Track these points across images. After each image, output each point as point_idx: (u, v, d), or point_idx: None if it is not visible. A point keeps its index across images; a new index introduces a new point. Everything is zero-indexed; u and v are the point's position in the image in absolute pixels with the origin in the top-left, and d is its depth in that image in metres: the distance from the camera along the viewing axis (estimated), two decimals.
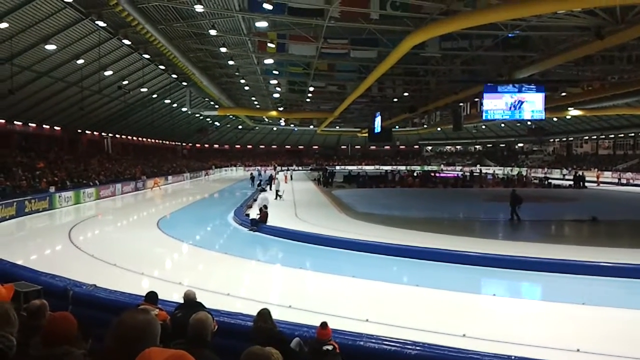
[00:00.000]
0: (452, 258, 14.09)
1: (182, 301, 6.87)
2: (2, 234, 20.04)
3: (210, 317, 3.99)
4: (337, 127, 67.78)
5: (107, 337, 2.15)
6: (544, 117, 28.03)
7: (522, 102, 24.79)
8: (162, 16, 24.72)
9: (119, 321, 2.14)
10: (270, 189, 37.83)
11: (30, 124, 38.08)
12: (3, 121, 34.83)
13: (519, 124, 69.06)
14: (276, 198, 31.05)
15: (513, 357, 6.29)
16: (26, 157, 33.85)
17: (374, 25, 21.69)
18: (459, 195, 39.37)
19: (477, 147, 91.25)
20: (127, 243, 18.22)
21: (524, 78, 26.14)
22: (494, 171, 67.91)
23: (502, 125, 71.66)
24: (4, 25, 21.98)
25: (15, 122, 36.18)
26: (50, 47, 26.10)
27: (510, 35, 21.93)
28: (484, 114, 25.59)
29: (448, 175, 60.42)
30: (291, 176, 56.44)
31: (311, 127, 68.59)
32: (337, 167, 79.49)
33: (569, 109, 42.04)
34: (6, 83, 26.37)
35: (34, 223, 23.74)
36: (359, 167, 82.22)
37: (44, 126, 40.05)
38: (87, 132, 47.95)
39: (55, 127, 41.90)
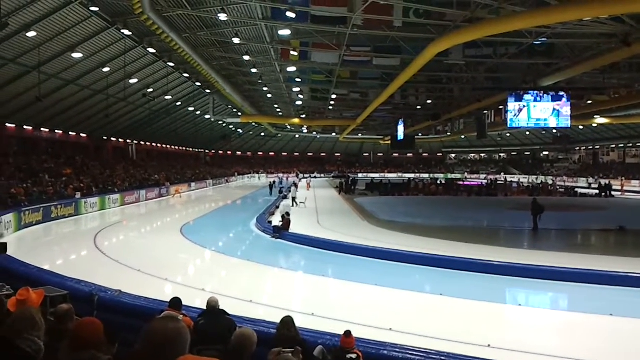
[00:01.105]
0: (477, 267, 13.91)
1: (205, 308, 6.88)
2: (29, 239, 20.39)
3: (255, 336, 3.81)
4: (360, 135, 67.61)
5: (138, 344, 2.16)
6: (569, 125, 27.55)
7: (548, 110, 24.45)
8: (186, 25, 25.03)
9: (149, 328, 2.15)
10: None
11: (57, 131, 38.78)
12: (30, 128, 35.50)
13: (544, 132, 68.24)
14: (293, 205, 30.86)
15: None
16: (53, 164, 34.40)
17: (397, 33, 21.65)
18: (483, 203, 38.91)
19: (502, 155, 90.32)
20: (151, 249, 18.41)
21: (549, 86, 25.82)
22: (519, 179, 67.10)
23: (527, 133, 70.83)
24: (32, 34, 22.44)
25: (42, 129, 36.86)
26: (77, 55, 26.57)
27: (535, 42, 21.71)
28: (508, 122, 25.27)
29: (472, 183, 59.86)
30: (307, 184, 56.12)
31: (333, 134, 68.61)
32: (360, 175, 79.29)
33: (595, 116, 41.36)
34: (34, 90, 26.86)
35: (60, 228, 24.09)
36: (382, 174, 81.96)
37: (71, 133, 40.76)
38: (112, 139, 48.65)
39: (82, 134, 42.62)
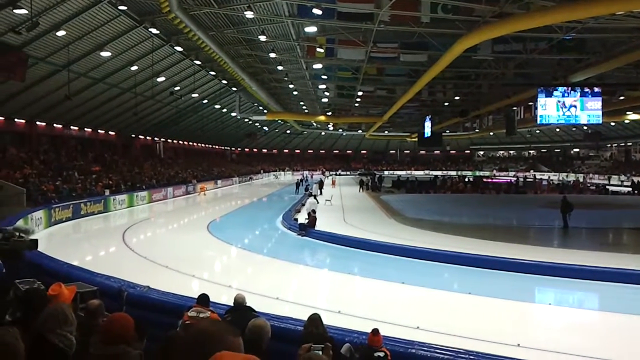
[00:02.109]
0: (506, 266, 13.70)
1: (231, 304, 6.88)
2: (59, 236, 20.71)
3: (269, 325, 3.92)
4: (386, 132, 67.35)
5: (176, 346, 2.17)
6: (601, 122, 27.06)
7: (578, 106, 24.00)
8: (213, 23, 25.18)
9: (187, 330, 2.16)
10: (321, 194, 37.70)
11: (86, 129, 39.40)
12: (60, 126, 36.16)
13: (574, 129, 66.93)
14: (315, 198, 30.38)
15: None
16: (82, 161, 34.96)
17: (424, 29, 21.44)
18: (512, 201, 38.41)
19: (531, 152, 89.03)
20: (178, 245, 18.55)
21: (580, 81, 25.34)
22: (549, 177, 66.04)
23: (557, 129, 69.63)
24: (62, 33, 22.79)
25: (71, 127, 37.51)
26: (106, 54, 26.92)
27: (565, 37, 21.30)
28: (538, 118, 24.91)
29: (501, 180, 59.09)
30: (332, 181, 55.93)
31: (359, 131, 68.38)
32: (386, 172, 78.92)
33: (628, 113, 40.57)
34: (63, 89, 27.30)
35: (89, 225, 24.45)
36: (408, 172, 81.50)
37: (99, 131, 41.38)
38: (140, 136, 49.28)
39: (110, 132, 43.25)
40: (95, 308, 4.56)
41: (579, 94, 24.04)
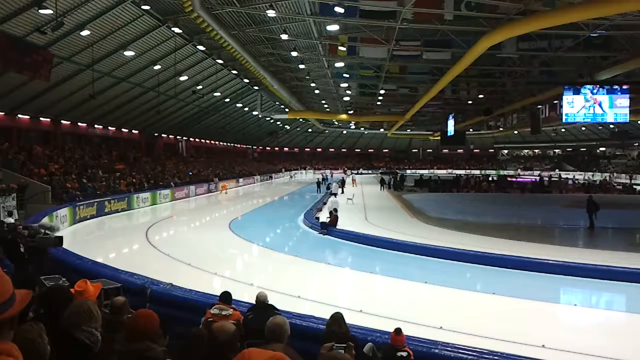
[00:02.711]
0: (531, 266, 13.51)
1: (253, 302, 6.89)
2: (83, 233, 21.00)
3: (288, 323, 3.99)
4: (409, 130, 67.01)
5: (197, 345, 2.21)
6: (628, 120, 26.50)
7: (605, 104, 23.55)
8: (235, 22, 25.27)
9: (209, 330, 2.20)
10: (342, 193, 37.60)
11: (109, 128, 39.86)
12: (84, 125, 36.63)
13: (600, 127, 65.78)
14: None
15: None
16: (106, 159, 35.38)
17: (448, 26, 21.28)
18: (537, 201, 37.92)
19: (556, 151, 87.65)
20: (200, 243, 18.66)
21: (607, 79, 24.89)
22: (574, 176, 65.04)
23: (583, 128, 68.46)
24: (86, 32, 23.07)
25: (95, 126, 37.98)
26: (129, 53, 27.21)
27: (592, 35, 20.94)
28: (563, 117, 24.48)
29: (525, 180, 58.36)
30: (352, 180, 55.43)
31: (381, 130, 68.19)
32: (408, 171, 78.48)
33: None
34: (88, 88, 27.64)
35: (113, 223, 24.76)
36: (431, 171, 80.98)
37: (123, 129, 41.83)
38: (163, 135, 49.70)
39: (134, 131, 43.69)
40: (121, 305, 4.61)
41: (605, 91, 23.57)
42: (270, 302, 6.80)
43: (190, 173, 44.47)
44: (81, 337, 2.98)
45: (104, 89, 30.78)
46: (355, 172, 76.91)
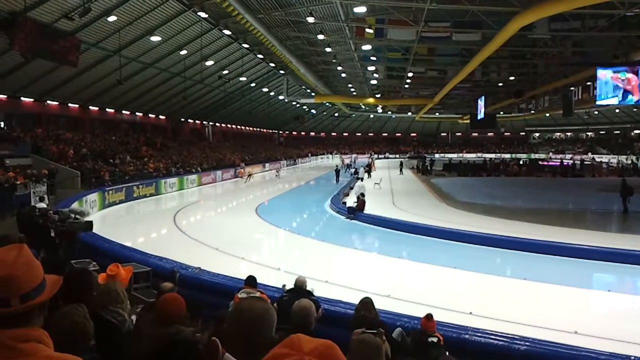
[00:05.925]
0: (562, 251, 13.24)
1: (280, 286, 6.89)
2: (112, 217, 21.26)
3: (314, 305, 3.99)
4: (437, 114, 66.02)
5: (227, 323, 2.26)
6: None
7: None
8: (261, 5, 25.11)
9: (238, 308, 2.19)
10: (369, 177, 37.31)
11: (137, 113, 40.28)
12: (112, 110, 37.08)
13: (635, 110, 64.06)
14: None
15: (632, 358, 5.72)
16: (134, 145, 35.77)
17: (478, 7, 20.77)
18: (569, 185, 37.16)
19: (589, 134, 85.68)
20: (227, 228, 18.74)
21: None
22: (608, 160, 63.58)
23: (617, 110, 66.73)
24: (113, 18, 23.23)
25: (123, 111, 38.42)
26: (155, 38, 27.34)
27: (627, 14, 20.24)
28: (596, 99, 23.87)
29: (557, 163, 57.27)
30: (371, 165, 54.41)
31: (409, 113, 67.33)
32: (437, 155, 77.64)
33: None
34: (115, 74, 27.92)
35: (141, 207, 25.04)
36: (460, 155, 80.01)
37: (150, 115, 42.21)
38: (189, 120, 50.04)
39: (160, 116, 44.06)
40: (170, 290, 4.81)
41: None
42: (308, 288, 6.77)
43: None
44: (109, 317, 3.23)
45: (131, 75, 31.09)
46: (376, 156, 76.15)
